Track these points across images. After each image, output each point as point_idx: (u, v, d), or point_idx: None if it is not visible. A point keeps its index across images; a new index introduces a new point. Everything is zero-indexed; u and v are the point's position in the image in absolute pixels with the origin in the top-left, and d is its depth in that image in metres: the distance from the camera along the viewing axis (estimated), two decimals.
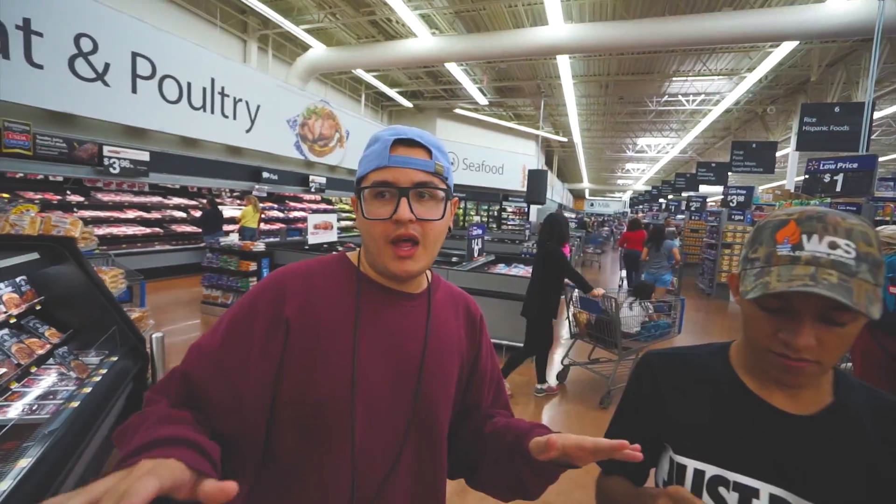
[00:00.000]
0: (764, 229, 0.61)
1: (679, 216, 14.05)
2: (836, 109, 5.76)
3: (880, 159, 5.05)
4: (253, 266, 5.18)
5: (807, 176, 5.29)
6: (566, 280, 3.61)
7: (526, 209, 16.76)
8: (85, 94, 5.83)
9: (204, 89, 7.57)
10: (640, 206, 23.36)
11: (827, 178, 5.14)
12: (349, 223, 12.29)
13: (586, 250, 14.26)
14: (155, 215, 7.41)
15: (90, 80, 5.87)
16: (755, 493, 0.61)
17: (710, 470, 0.64)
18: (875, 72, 5.24)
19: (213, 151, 8.32)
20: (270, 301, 0.66)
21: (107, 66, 6.03)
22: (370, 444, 0.65)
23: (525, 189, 10.29)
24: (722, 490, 0.63)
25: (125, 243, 6.73)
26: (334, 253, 0.77)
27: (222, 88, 7.93)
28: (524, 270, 4.93)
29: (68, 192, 6.41)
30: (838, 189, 4.99)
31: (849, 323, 0.54)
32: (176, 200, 7.96)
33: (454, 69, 10.36)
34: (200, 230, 7.22)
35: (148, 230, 7.14)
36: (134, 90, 6.43)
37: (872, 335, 2.64)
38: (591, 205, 37.21)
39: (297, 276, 0.69)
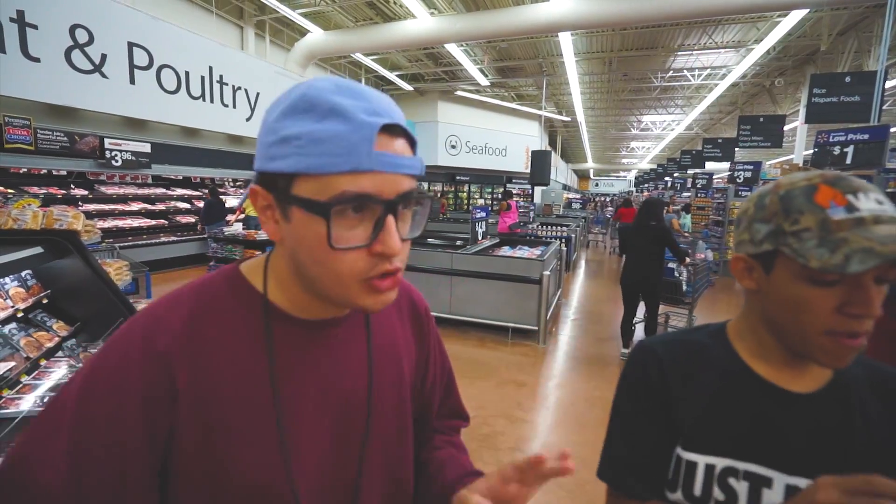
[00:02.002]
0: (792, 198, 0.55)
1: (685, 193, 13.89)
2: (847, 79, 5.61)
3: (892, 130, 4.94)
4: (258, 254, 5.20)
5: (816, 149, 5.18)
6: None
7: (530, 190, 16.62)
8: (83, 86, 5.80)
9: (202, 78, 7.51)
10: (646, 185, 23.11)
11: (837, 150, 5.03)
12: None
13: (592, 230, 14.20)
14: (159, 207, 7.45)
15: (88, 72, 5.83)
16: (767, 482, 0.58)
17: (721, 462, 0.61)
18: (888, 38, 5.07)
19: (215, 141, 8.30)
20: (144, 390, 0.44)
21: (103, 57, 5.98)
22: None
23: (528, 171, 10.17)
24: (731, 481, 0.60)
25: (130, 235, 6.79)
26: (218, 271, 0.54)
27: (221, 77, 7.86)
28: (529, 252, 4.91)
29: (72, 186, 6.44)
30: (848, 161, 4.89)
31: (890, 278, 0.53)
32: (179, 191, 7.99)
33: (454, 50, 10.17)
34: (201, 220, 7.23)
35: (153, 222, 7.18)
36: (132, 81, 6.39)
37: (890, 314, 2.62)
38: (596, 185, 36.85)
39: (175, 330, 0.46)
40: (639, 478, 0.66)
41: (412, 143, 0.47)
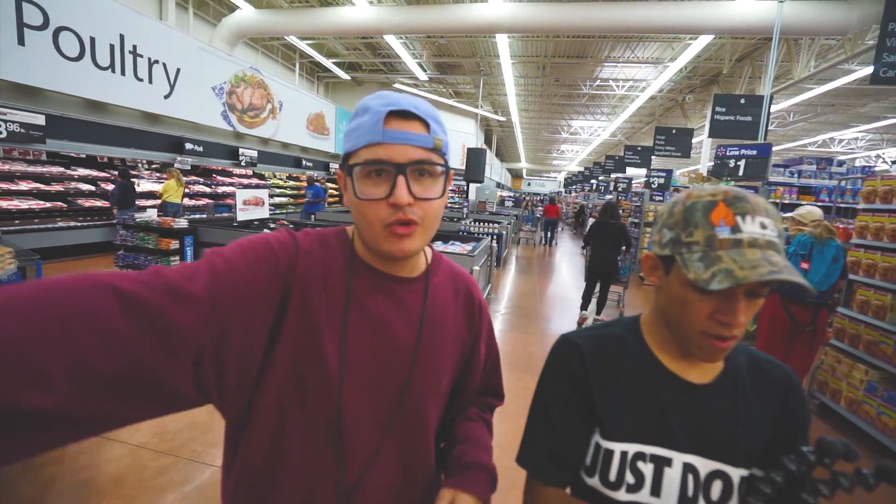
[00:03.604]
0: (693, 211, 0.60)
1: (607, 196, 14.92)
2: (742, 101, 6.34)
3: (774, 148, 5.68)
4: (175, 244, 4.81)
5: (716, 160, 5.82)
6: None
7: (465, 187, 16.92)
8: None
9: (112, 46, 6.74)
10: (574, 186, 24.46)
11: (732, 163, 5.69)
12: (282, 199, 11.76)
13: (522, 228, 14.79)
14: (56, 188, 6.59)
15: None
16: (668, 462, 0.64)
17: (632, 448, 0.66)
18: (773, 68, 5.82)
19: (127, 118, 7.50)
20: (280, 259, 0.59)
21: None
22: (352, 432, 0.62)
23: (464, 167, 10.36)
24: (640, 464, 0.65)
25: (18, 219, 5.96)
26: (332, 228, 0.71)
27: (134, 47, 7.10)
28: (461, 247, 5.02)
29: None
30: (741, 173, 5.55)
31: (763, 293, 0.59)
32: (82, 171, 7.12)
33: (393, 42, 10.06)
34: (115, 204, 6.53)
35: (48, 204, 6.34)
36: (21, 42, 5.58)
37: (782, 303, 3.00)
38: (529, 184, 38.29)
39: (306, 243, 0.63)
40: (557, 465, 0.70)
41: (427, 125, 0.60)
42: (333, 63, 13.09)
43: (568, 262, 10.74)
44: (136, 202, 6.68)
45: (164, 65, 7.73)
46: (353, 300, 0.63)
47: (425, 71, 13.05)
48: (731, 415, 0.66)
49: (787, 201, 6.05)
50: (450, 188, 0.67)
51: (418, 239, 0.61)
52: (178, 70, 8.02)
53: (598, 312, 5.43)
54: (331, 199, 13.78)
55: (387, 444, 0.65)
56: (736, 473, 0.63)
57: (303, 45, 11.58)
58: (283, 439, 0.60)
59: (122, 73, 6.98)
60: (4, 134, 5.64)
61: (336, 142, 14.16)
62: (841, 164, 6.80)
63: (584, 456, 0.70)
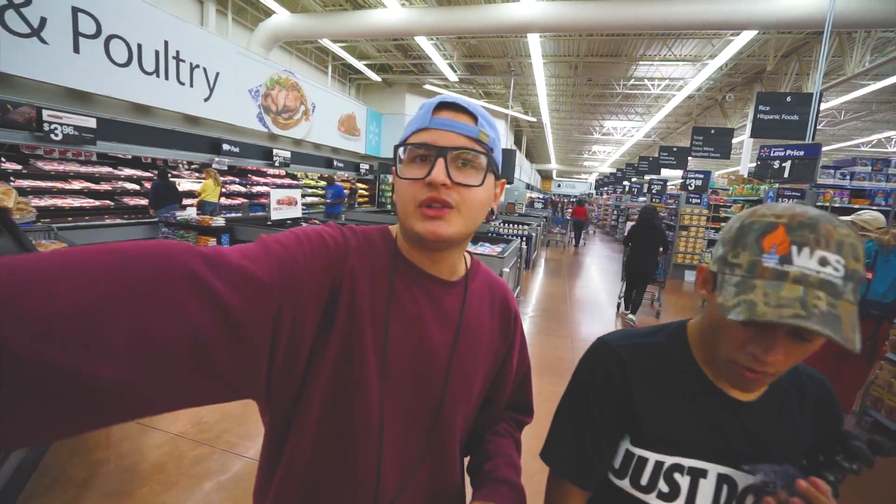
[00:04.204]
0: (749, 230, 0.55)
1: (641, 198, 14.51)
2: (788, 99, 6.04)
3: (823, 149, 5.37)
4: (212, 241, 5.00)
5: (758, 162, 5.56)
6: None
7: None
8: (18, 50, 5.33)
9: (157, 52, 7.08)
10: (606, 188, 23.93)
11: (776, 164, 5.42)
12: (314, 199, 12.01)
13: (552, 230, 14.57)
14: (105, 187, 6.96)
15: (24, 36, 5.36)
16: (703, 473, 0.64)
17: (670, 460, 0.65)
18: (824, 64, 5.51)
19: (169, 120, 7.85)
20: (336, 246, 0.60)
21: (43, 20, 5.51)
22: (392, 436, 0.62)
23: None
24: (677, 476, 0.65)
25: (71, 216, 6.32)
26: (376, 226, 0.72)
27: (177, 53, 7.43)
28: (490, 249, 4.99)
29: (3, 160, 5.91)
30: (786, 175, 5.28)
31: (817, 339, 0.53)
32: (128, 171, 7.50)
33: (424, 43, 10.11)
34: (150, 205, 6.84)
35: (97, 202, 6.71)
36: (76, 50, 5.93)
37: None
38: (559, 185, 37.75)
39: (354, 238, 0.64)
40: (586, 468, 0.70)
41: (475, 118, 0.61)
42: (365, 65, 13.28)
43: (598, 266, 10.51)
44: (180, 201, 6.92)
45: (205, 69, 8.04)
46: (394, 299, 0.63)
47: (456, 72, 13.06)
48: (777, 432, 0.64)
49: (837, 205, 5.70)
50: (500, 196, 0.68)
51: (454, 223, 0.59)
52: (217, 74, 8.32)
53: (633, 313, 5.56)
54: (360, 199, 14.02)
55: (426, 453, 0.65)
56: None
57: (335, 48, 11.81)
58: (324, 444, 0.60)
59: (166, 77, 7.31)
60: (60, 136, 6.00)
61: (366, 143, 14.36)
62: None
63: (610, 459, 0.70)
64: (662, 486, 0.65)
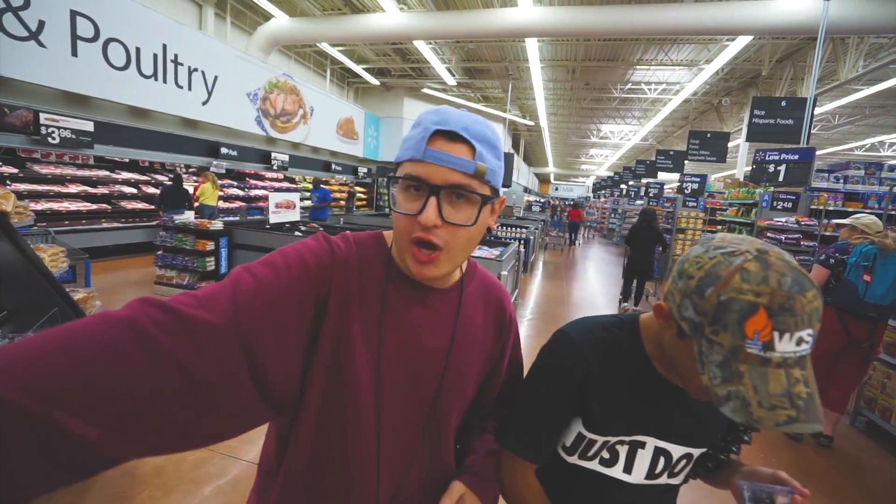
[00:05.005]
0: (727, 310, 0.54)
1: (638, 201, 14.57)
2: (783, 103, 6.09)
3: (817, 152, 5.42)
4: (210, 245, 4.99)
5: (754, 165, 5.60)
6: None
7: None
8: (16, 53, 5.32)
9: (155, 56, 7.08)
10: (603, 191, 24.01)
11: (771, 168, 5.46)
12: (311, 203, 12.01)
13: (549, 233, 14.61)
14: (102, 190, 6.95)
15: (22, 39, 5.36)
16: (642, 444, 0.73)
17: (615, 438, 0.73)
18: (818, 69, 5.57)
19: (167, 124, 7.85)
20: (318, 267, 0.60)
21: (41, 24, 5.52)
22: (390, 436, 0.64)
23: None
24: (618, 446, 0.74)
25: (68, 220, 6.31)
26: (371, 231, 0.72)
27: (175, 56, 7.43)
28: (488, 252, 5.00)
29: None
30: (781, 179, 5.32)
31: None
32: (125, 175, 7.49)
33: (422, 47, 10.15)
34: (156, 207, 6.79)
35: (94, 206, 6.70)
36: (74, 53, 5.93)
37: (838, 315, 2.78)
38: (556, 189, 37.90)
39: (343, 249, 0.64)
40: (539, 449, 0.76)
41: (473, 149, 0.58)
42: (363, 69, 13.32)
43: (595, 268, 10.54)
44: (190, 205, 6.80)
45: (203, 73, 8.05)
46: (388, 308, 0.63)
47: (454, 76, 13.11)
48: (712, 412, 0.72)
49: (831, 208, 5.75)
50: (496, 214, 0.66)
51: (442, 266, 0.60)
52: (216, 77, 8.33)
53: (636, 304, 6.17)
54: (358, 203, 14.02)
55: (421, 451, 0.68)
56: (698, 452, 0.76)
57: (334, 52, 11.84)
58: (323, 447, 0.62)
59: (164, 80, 7.31)
60: (57, 140, 5.99)
61: (365, 146, 14.38)
62: (892, 168, 6.42)
63: (563, 439, 0.78)
64: (604, 454, 0.74)
